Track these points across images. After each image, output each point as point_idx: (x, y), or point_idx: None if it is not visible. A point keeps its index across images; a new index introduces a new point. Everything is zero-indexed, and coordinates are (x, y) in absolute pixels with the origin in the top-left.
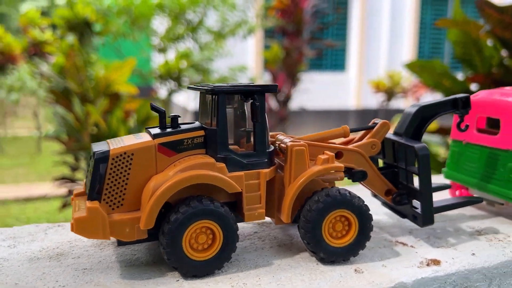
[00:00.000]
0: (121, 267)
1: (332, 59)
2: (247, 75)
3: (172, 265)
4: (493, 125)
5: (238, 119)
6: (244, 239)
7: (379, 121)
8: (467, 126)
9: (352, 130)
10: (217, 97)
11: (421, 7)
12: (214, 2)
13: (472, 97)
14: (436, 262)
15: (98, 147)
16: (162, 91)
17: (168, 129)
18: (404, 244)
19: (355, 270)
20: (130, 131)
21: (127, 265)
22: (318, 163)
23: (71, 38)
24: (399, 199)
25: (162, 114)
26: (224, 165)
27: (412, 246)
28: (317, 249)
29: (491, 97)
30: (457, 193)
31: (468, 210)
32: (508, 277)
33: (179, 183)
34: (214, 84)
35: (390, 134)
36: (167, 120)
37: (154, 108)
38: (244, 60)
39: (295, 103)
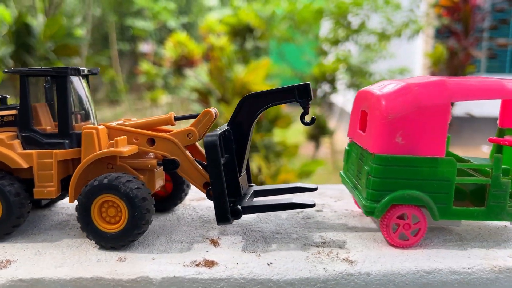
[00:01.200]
0: None
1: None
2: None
3: None
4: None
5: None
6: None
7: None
8: (313, 119)
9: (177, 118)
10: (20, 79)
11: None
12: (377, 3)
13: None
14: (210, 264)
15: None
16: (318, 93)
17: None
18: (213, 242)
19: (119, 258)
20: (258, 130)
21: None
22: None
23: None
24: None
25: None
26: (17, 141)
27: (216, 245)
28: (87, 230)
29: (369, 88)
30: None
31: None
32: None
33: None
34: (19, 68)
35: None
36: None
37: None
38: (409, 62)
39: (460, 109)
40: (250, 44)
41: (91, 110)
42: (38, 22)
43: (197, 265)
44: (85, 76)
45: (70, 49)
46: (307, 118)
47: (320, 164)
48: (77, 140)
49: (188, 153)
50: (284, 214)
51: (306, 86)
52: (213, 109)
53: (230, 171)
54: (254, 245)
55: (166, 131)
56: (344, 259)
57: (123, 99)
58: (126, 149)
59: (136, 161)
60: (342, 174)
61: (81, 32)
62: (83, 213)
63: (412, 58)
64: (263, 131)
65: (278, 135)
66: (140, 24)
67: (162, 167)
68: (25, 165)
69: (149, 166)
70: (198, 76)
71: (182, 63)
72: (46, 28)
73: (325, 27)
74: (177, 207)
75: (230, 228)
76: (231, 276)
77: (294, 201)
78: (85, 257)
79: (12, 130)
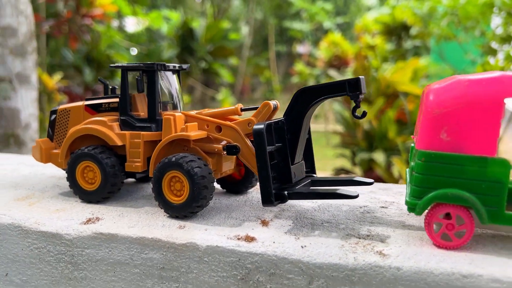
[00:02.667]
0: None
1: None
2: None
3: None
4: None
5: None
6: None
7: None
8: (364, 113)
9: (244, 109)
10: (121, 72)
11: None
12: None
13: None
14: (250, 239)
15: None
16: None
17: (100, 96)
18: (263, 222)
19: (179, 226)
20: (401, 133)
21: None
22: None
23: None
24: None
25: (105, 86)
26: (116, 123)
27: (265, 225)
28: (158, 200)
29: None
30: None
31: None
32: (338, 283)
33: (75, 132)
34: (122, 63)
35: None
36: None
37: (100, 80)
38: None
39: None
40: (408, 43)
41: (179, 101)
42: (200, 26)
43: (238, 238)
44: (177, 72)
45: (226, 51)
46: (359, 112)
47: None
48: (161, 126)
49: (248, 140)
50: (345, 206)
51: (357, 80)
52: (272, 102)
53: (282, 158)
54: (299, 229)
55: (233, 120)
56: (378, 252)
57: (278, 99)
58: (193, 133)
59: (206, 144)
60: (406, 171)
61: (239, 35)
62: (156, 185)
63: None
64: (406, 133)
65: None
66: (297, 25)
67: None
68: (119, 143)
69: (216, 150)
70: (344, 76)
71: (335, 63)
72: (206, 31)
73: (494, 23)
74: (250, 190)
75: (285, 212)
76: (265, 252)
77: (339, 191)
78: (154, 222)
79: (115, 114)
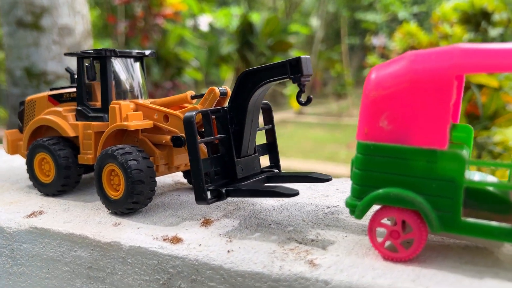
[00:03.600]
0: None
1: None
2: None
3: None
4: None
5: None
6: None
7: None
8: (309, 99)
9: (194, 97)
10: (77, 60)
11: None
12: None
13: None
14: (176, 240)
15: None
16: None
17: (64, 86)
18: (205, 222)
19: (115, 223)
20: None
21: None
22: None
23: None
24: None
25: (71, 75)
26: (71, 114)
27: (205, 225)
28: (99, 195)
29: None
30: None
31: None
32: None
33: (32, 124)
34: (74, 52)
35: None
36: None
37: (67, 70)
38: None
39: None
40: (493, 32)
41: (141, 89)
42: (260, 20)
43: (164, 239)
44: (139, 59)
45: (285, 45)
46: (303, 98)
47: None
48: None
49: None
50: (311, 206)
51: (298, 60)
52: (220, 88)
53: (228, 152)
54: (239, 231)
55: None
56: (309, 261)
57: (350, 93)
58: (133, 123)
59: (155, 135)
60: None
61: (308, 29)
62: (97, 178)
63: None
64: (478, 128)
65: (501, 134)
66: (371, 17)
67: None
68: (71, 134)
69: (164, 141)
70: None
71: None
72: (266, 26)
73: None
74: None
75: (238, 211)
76: (187, 256)
77: (276, 189)
78: (92, 218)
79: (74, 105)
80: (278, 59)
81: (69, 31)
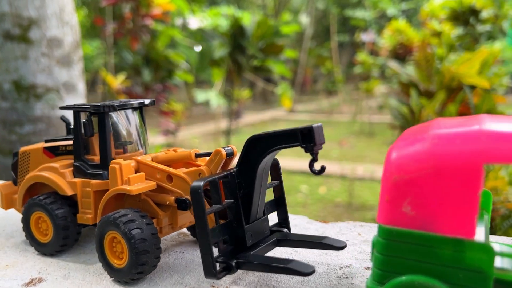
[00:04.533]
0: None
1: None
2: None
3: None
4: None
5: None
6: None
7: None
8: (323, 168)
9: (199, 155)
10: (73, 114)
11: None
12: None
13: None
14: None
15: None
16: None
17: (60, 138)
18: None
19: None
20: None
21: None
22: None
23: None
24: None
25: (67, 124)
26: (69, 170)
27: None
28: (101, 261)
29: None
30: None
31: None
32: None
33: (27, 181)
34: (71, 105)
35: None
36: None
37: (62, 119)
38: None
39: None
40: (481, 28)
41: (141, 141)
42: (251, 23)
43: None
44: (139, 108)
45: (277, 47)
46: (317, 166)
47: None
48: None
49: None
50: (323, 266)
51: (310, 130)
52: (226, 148)
53: (236, 218)
54: None
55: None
56: None
57: (340, 90)
58: (135, 187)
59: (158, 196)
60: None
61: (298, 26)
62: (98, 244)
63: None
64: None
65: None
66: (360, 14)
67: None
68: (69, 192)
69: (167, 202)
70: (405, 68)
71: (399, 52)
72: (256, 29)
73: None
74: None
75: (248, 276)
76: None
77: (290, 265)
78: (95, 285)
79: (70, 158)
80: (270, 62)
81: (58, 43)
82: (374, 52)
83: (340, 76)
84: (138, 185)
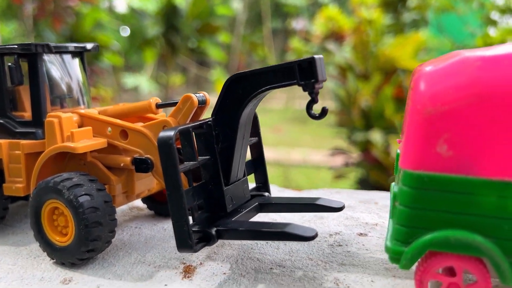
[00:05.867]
0: None
1: None
2: None
3: None
4: None
5: None
6: None
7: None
8: (324, 111)
9: (160, 106)
10: None
11: None
12: None
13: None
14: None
15: None
16: None
17: None
18: (186, 269)
19: (64, 280)
20: (396, 109)
21: None
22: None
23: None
24: None
25: None
26: None
27: (188, 275)
28: (38, 239)
29: (428, 62)
30: None
31: None
32: None
33: None
34: None
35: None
36: None
37: None
38: None
39: None
40: (407, 16)
41: (83, 94)
42: (185, 3)
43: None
44: (79, 54)
45: (213, 28)
46: (316, 110)
47: None
48: None
49: None
50: None
51: (311, 61)
52: (197, 94)
53: (213, 178)
54: (236, 281)
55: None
56: None
57: None
58: (83, 144)
59: (109, 157)
60: (392, 186)
61: (230, 9)
62: (34, 218)
63: None
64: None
65: None
66: (292, 0)
67: None
68: None
69: (122, 164)
70: (341, 51)
71: (332, 39)
72: (192, 8)
73: None
74: None
75: (223, 249)
76: None
77: (286, 229)
78: (31, 272)
79: None
80: (205, 43)
81: None
82: (307, 40)
83: (274, 63)
84: (85, 142)
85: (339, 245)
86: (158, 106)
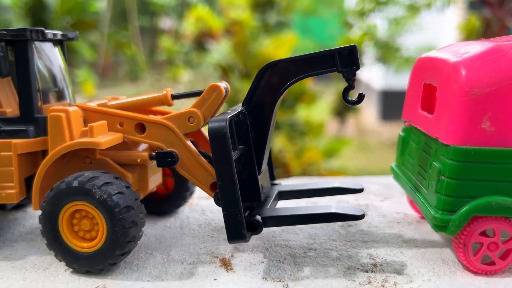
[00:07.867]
0: None
1: None
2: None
3: None
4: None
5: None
6: None
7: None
8: (361, 96)
9: (176, 97)
10: None
11: None
12: None
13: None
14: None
15: None
16: None
17: None
18: (224, 263)
19: None
20: (280, 107)
21: None
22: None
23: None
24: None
25: None
26: None
27: (229, 268)
28: (54, 248)
29: (436, 54)
30: None
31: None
32: None
33: None
34: None
35: (238, 106)
36: None
37: None
38: (439, 35)
39: None
40: (273, 18)
41: (67, 87)
42: None
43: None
44: (60, 43)
45: (87, 24)
46: (353, 96)
47: (346, 143)
48: (45, 127)
49: (190, 143)
50: None
51: (353, 49)
52: (222, 84)
53: (247, 167)
54: (279, 268)
55: (164, 113)
56: None
57: (145, 77)
58: (104, 139)
59: (122, 153)
60: (394, 167)
61: (98, 7)
62: (49, 225)
63: (443, 32)
64: (285, 108)
65: (302, 112)
66: None
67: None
68: None
69: (139, 160)
70: (221, 50)
71: (203, 39)
72: (62, 3)
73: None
74: (181, 208)
75: (250, 241)
76: None
77: (334, 210)
78: (51, 286)
79: None
80: (80, 41)
81: None
82: (177, 38)
83: (143, 62)
84: (103, 137)
85: (349, 225)
86: (174, 97)
